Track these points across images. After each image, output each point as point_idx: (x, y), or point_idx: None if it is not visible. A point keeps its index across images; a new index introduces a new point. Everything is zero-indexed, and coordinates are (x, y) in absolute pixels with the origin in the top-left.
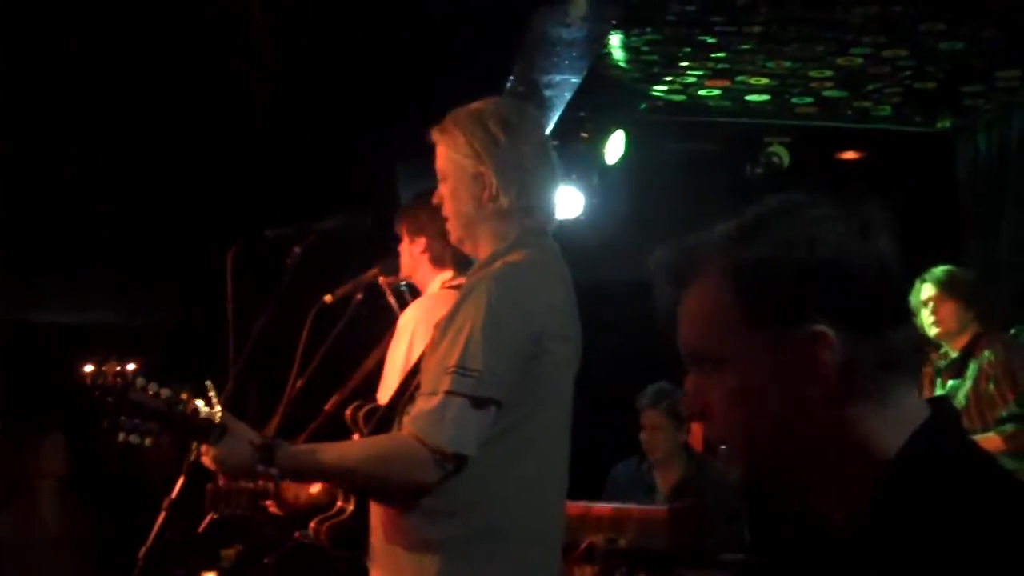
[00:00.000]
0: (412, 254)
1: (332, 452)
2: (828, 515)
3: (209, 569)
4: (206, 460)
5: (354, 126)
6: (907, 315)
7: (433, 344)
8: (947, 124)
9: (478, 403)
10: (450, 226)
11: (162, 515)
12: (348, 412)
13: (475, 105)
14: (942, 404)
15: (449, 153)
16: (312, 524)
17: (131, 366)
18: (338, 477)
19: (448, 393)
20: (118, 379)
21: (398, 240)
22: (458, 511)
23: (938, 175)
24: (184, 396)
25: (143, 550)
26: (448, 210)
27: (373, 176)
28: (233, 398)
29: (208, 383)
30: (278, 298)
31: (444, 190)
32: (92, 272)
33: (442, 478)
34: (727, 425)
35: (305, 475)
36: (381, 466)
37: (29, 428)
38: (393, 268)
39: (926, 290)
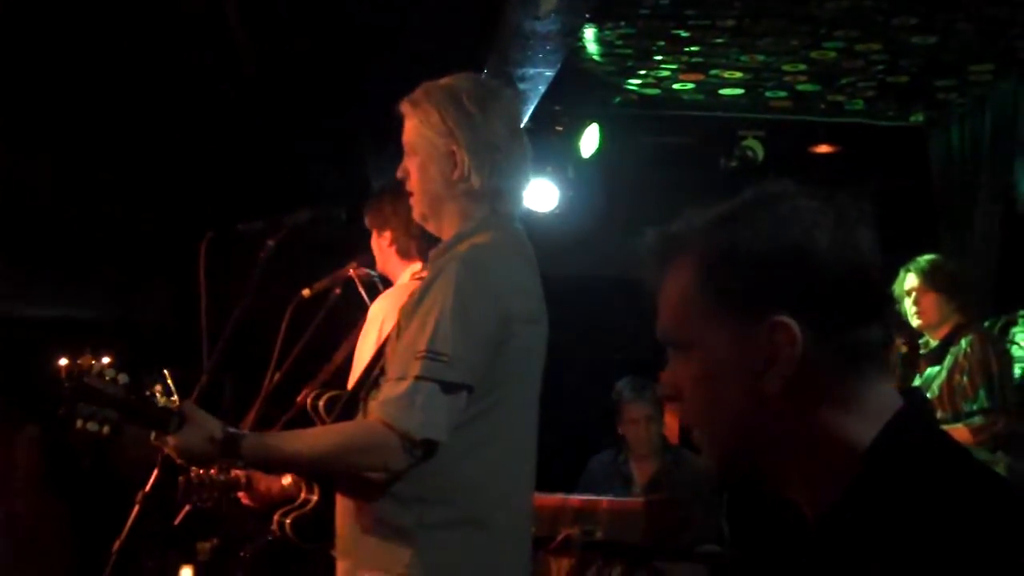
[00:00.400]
0: (380, 247)
1: (298, 440)
2: (801, 505)
3: (185, 562)
4: (167, 450)
5: (326, 119)
6: (879, 309)
7: (399, 329)
8: (920, 118)
9: (448, 388)
10: (414, 201)
11: (136, 508)
12: (308, 401)
13: (449, 80)
14: (915, 395)
15: (420, 128)
16: (276, 517)
17: (105, 360)
18: (306, 465)
19: (418, 378)
20: (76, 366)
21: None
22: (428, 497)
23: (912, 168)
24: (144, 384)
25: (117, 543)
26: (414, 185)
27: (345, 169)
28: (208, 392)
29: (166, 372)
30: (252, 292)
31: (411, 165)
32: (66, 267)
33: (412, 464)
34: (692, 410)
35: (272, 464)
36: (350, 453)
37: (3, 422)
38: (370, 262)
39: (909, 280)
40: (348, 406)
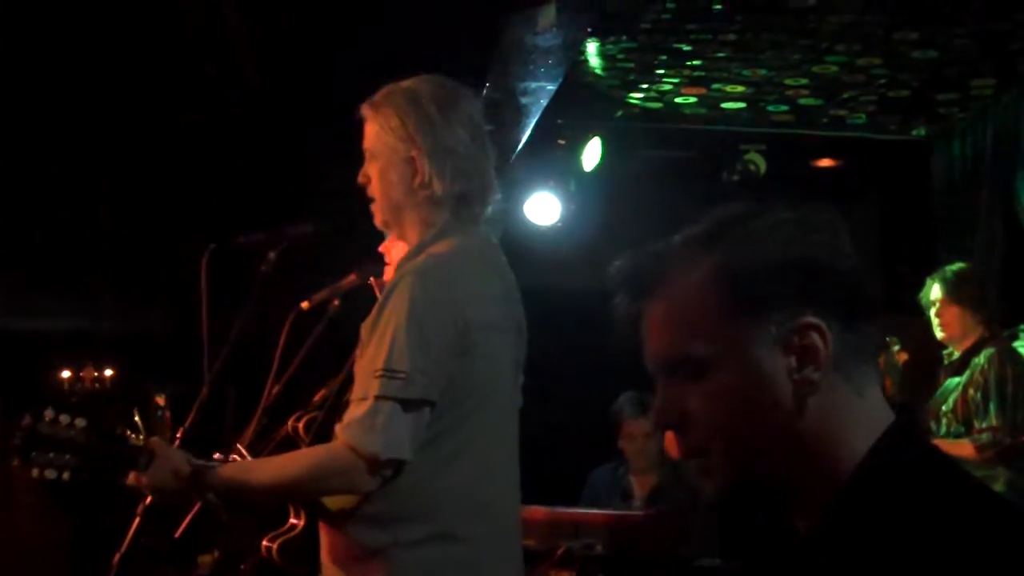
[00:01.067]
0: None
1: (266, 470)
2: (795, 520)
3: (185, 575)
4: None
5: (328, 132)
6: (877, 309)
7: (362, 346)
8: (922, 132)
9: (409, 405)
10: (376, 208)
11: (137, 520)
12: (289, 423)
13: (410, 82)
14: (905, 410)
15: (380, 133)
16: (264, 542)
17: (108, 372)
18: (275, 495)
19: (377, 398)
20: (27, 416)
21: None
22: (404, 516)
23: (913, 183)
24: (111, 423)
25: (118, 555)
26: (375, 191)
27: (348, 180)
28: (209, 405)
29: (137, 408)
30: (253, 304)
31: (372, 170)
32: (67, 279)
33: (381, 484)
34: (711, 430)
35: (242, 495)
36: (316, 480)
37: (4, 434)
38: (371, 272)
39: (934, 291)
40: (324, 427)
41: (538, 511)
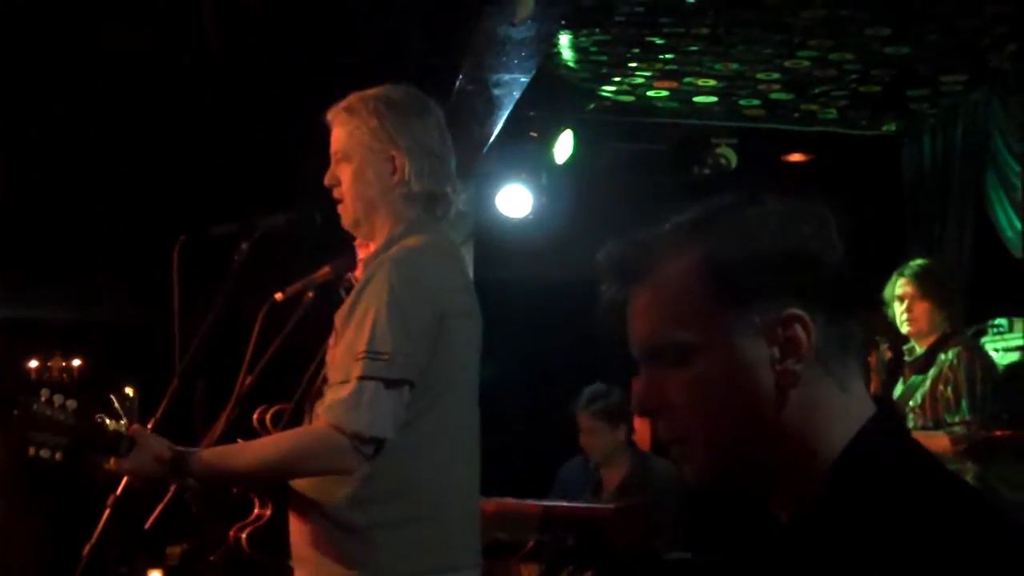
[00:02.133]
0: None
1: (248, 454)
2: (775, 512)
3: (154, 566)
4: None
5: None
6: (861, 302)
7: (336, 335)
8: (892, 127)
9: (391, 384)
10: (346, 207)
11: (107, 512)
12: (256, 416)
13: (379, 89)
14: (886, 404)
15: (356, 134)
16: (232, 532)
17: (76, 362)
18: (258, 477)
19: (361, 378)
20: (23, 393)
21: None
22: (381, 497)
23: (883, 177)
24: (91, 408)
25: (88, 547)
26: (347, 192)
27: (320, 171)
28: (179, 396)
29: (113, 396)
30: (226, 295)
31: (343, 171)
32: (37, 268)
33: (362, 463)
34: (692, 418)
35: (223, 479)
36: (301, 460)
37: None
38: (345, 265)
39: (901, 285)
40: (293, 417)
41: (508, 504)
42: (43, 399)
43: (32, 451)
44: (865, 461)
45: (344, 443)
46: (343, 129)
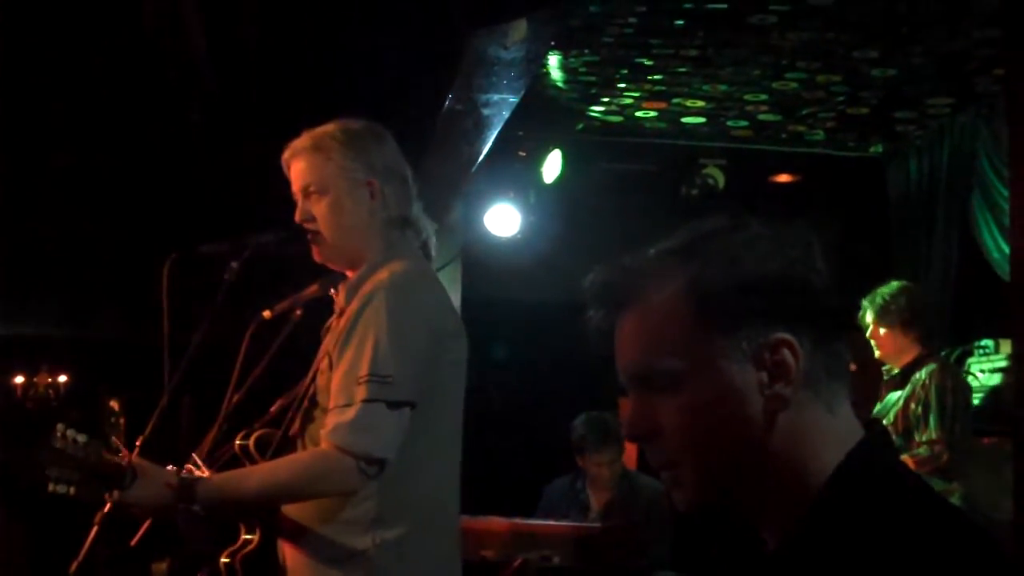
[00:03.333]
0: None
1: (255, 479)
2: (763, 534)
3: None
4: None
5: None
6: (847, 325)
7: (330, 362)
8: (879, 149)
9: (394, 406)
10: (324, 241)
11: (95, 529)
12: (238, 442)
13: (335, 124)
14: (875, 425)
15: (328, 166)
16: (224, 559)
17: (62, 378)
18: (266, 502)
19: (365, 401)
20: (44, 429)
21: None
22: (383, 517)
23: (870, 199)
24: (99, 442)
25: (75, 564)
26: (325, 224)
27: None
28: (167, 414)
29: (99, 412)
30: (215, 313)
31: (319, 204)
32: (25, 285)
33: (366, 484)
34: (682, 444)
35: (228, 504)
36: (309, 483)
37: None
38: (333, 283)
39: (868, 315)
40: (282, 446)
41: (496, 522)
42: (59, 434)
43: (52, 487)
44: (854, 484)
45: (350, 464)
46: (309, 164)
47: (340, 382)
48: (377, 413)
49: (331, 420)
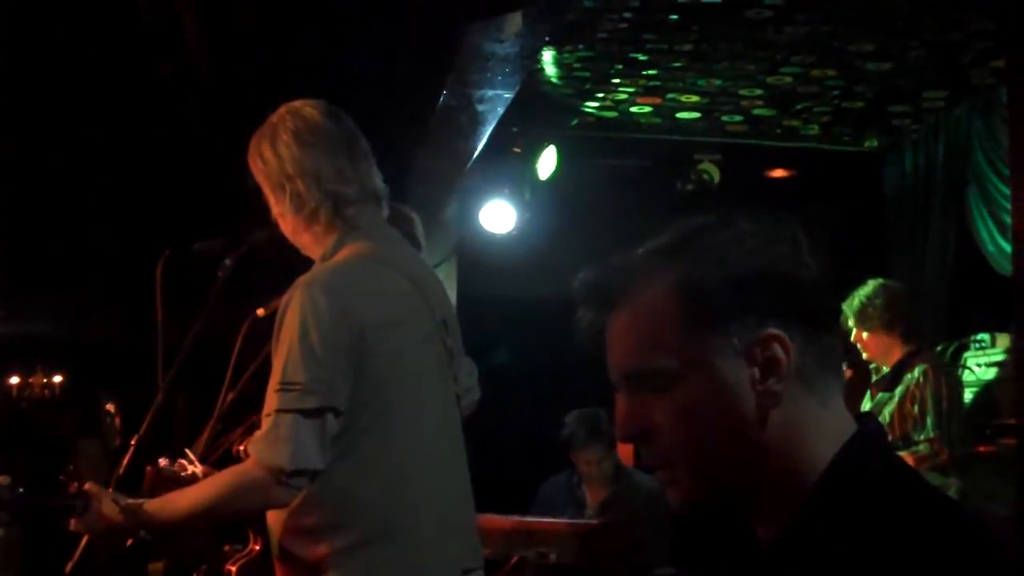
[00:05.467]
0: None
1: (187, 499)
2: (758, 529)
3: None
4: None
5: None
6: (837, 319)
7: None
8: (875, 143)
9: (309, 414)
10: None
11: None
12: (234, 447)
13: (263, 127)
14: (869, 420)
15: (256, 170)
16: (227, 566)
17: (57, 378)
18: (199, 519)
19: (278, 412)
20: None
21: None
22: (336, 523)
23: (865, 193)
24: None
25: (69, 565)
26: (281, 225)
27: None
28: (162, 412)
29: (104, 431)
30: (209, 311)
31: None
32: (21, 285)
33: (294, 495)
34: (677, 442)
35: (172, 525)
36: (231, 500)
37: None
38: None
39: (849, 319)
40: None
41: (492, 519)
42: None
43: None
44: (849, 477)
45: (267, 478)
46: (251, 167)
47: (267, 392)
48: (291, 424)
49: (256, 432)
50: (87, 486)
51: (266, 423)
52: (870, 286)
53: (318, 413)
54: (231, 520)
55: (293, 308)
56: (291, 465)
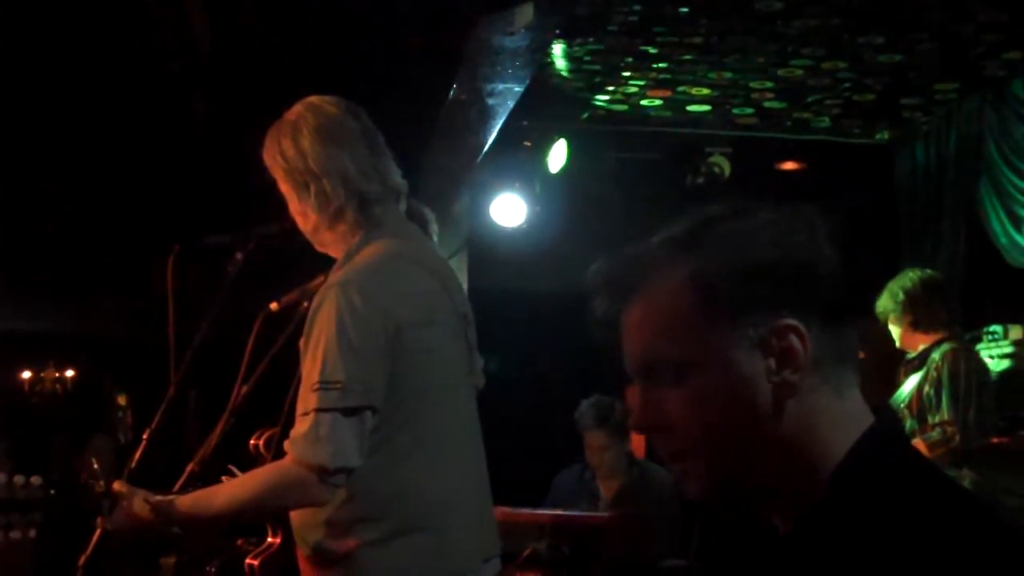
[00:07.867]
0: None
1: (223, 496)
2: (777, 523)
3: None
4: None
5: None
6: (854, 309)
7: (303, 365)
8: (886, 136)
9: (349, 413)
10: (306, 234)
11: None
12: (252, 443)
13: (282, 120)
14: (885, 411)
15: (276, 166)
16: (248, 560)
17: (69, 373)
18: (236, 517)
19: (317, 411)
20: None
21: None
22: (364, 516)
23: (877, 186)
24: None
25: (83, 559)
26: (298, 221)
27: None
28: (174, 407)
29: (115, 426)
30: (220, 305)
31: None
32: (32, 279)
33: (332, 493)
34: (691, 434)
35: (203, 521)
36: (271, 499)
37: None
38: None
39: (882, 305)
40: (280, 444)
41: (505, 512)
42: (2, 482)
43: (2, 535)
44: (865, 468)
45: (310, 477)
46: (267, 161)
47: (302, 390)
48: (331, 422)
49: (294, 429)
50: (116, 485)
51: (305, 422)
52: (912, 278)
53: (357, 411)
54: (266, 515)
55: (328, 308)
56: (333, 464)
